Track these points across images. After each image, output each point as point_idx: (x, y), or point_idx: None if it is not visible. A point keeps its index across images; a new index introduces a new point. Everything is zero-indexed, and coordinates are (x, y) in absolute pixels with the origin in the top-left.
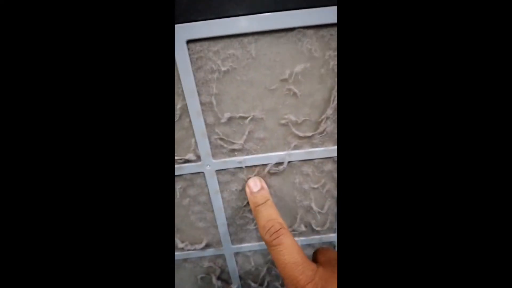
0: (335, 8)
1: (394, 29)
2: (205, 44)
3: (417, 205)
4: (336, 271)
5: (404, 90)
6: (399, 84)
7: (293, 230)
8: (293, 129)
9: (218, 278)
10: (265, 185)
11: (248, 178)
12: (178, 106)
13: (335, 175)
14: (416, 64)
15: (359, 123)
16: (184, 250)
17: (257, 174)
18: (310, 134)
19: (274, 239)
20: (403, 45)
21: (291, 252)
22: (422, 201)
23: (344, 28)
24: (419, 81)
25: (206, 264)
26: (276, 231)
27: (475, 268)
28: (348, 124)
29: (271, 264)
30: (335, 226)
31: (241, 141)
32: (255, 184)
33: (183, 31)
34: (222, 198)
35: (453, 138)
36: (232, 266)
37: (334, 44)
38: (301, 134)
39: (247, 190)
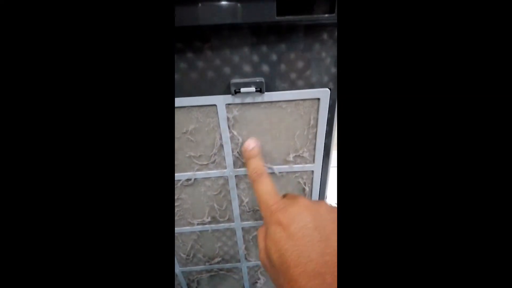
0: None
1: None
2: None
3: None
4: (295, 203)
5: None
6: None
7: (203, 221)
8: (194, 160)
9: None
10: (258, 144)
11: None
12: None
13: (227, 187)
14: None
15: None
16: None
17: (175, 186)
18: (206, 163)
19: (257, 176)
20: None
21: (266, 185)
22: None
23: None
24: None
25: None
26: (261, 173)
27: (473, 267)
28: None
29: (194, 242)
30: (233, 217)
31: None
32: (251, 142)
33: None
34: None
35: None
36: None
37: (211, 114)
38: (200, 163)
39: (244, 146)
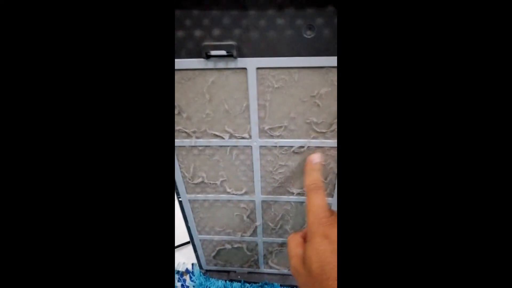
0: None
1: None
2: (268, 70)
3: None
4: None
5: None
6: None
7: (303, 191)
8: (314, 127)
9: (248, 216)
10: (322, 160)
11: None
12: (244, 104)
13: (336, 158)
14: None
15: (355, 125)
16: (230, 194)
17: (285, 152)
18: (324, 130)
19: (314, 189)
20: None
21: (321, 199)
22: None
23: (343, 71)
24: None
25: (242, 205)
26: (318, 187)
27: (473, 267)
28: (346, 125)
29: (285, 213)
30: (333, 193)
31: (281, 130)
32: (317, 157)
33: (256, 62)
34: (260, 164)
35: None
36: (259, 210)
37: None
38: (318, 130)
39: (309, 158)
